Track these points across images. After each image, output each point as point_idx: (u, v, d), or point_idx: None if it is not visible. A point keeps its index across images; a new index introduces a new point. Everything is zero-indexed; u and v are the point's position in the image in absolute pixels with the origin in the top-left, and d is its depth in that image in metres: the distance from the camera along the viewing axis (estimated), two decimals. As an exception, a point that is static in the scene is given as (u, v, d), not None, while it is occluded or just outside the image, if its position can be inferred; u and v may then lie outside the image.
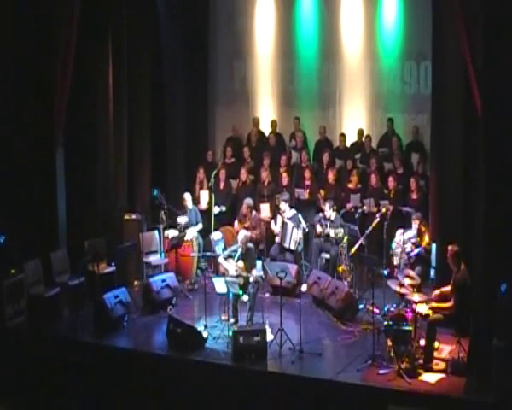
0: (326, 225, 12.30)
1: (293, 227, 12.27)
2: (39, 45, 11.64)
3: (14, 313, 10.75)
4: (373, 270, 10.78)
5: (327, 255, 12.37)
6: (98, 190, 12.61)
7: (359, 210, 12.41)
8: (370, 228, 11.67)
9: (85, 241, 11.97)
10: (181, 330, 10.06)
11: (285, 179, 13.44)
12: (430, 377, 9.01)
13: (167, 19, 14.08)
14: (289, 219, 12.39)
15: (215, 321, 10.80)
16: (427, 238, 11.29)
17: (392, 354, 9.20)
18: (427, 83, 13.06)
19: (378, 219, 11.79)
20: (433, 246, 11.11)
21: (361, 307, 11.16)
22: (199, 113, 14.94)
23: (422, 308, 9.41)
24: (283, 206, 12.50)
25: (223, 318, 10.76)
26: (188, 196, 13.00)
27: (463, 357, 9.21)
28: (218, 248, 12.33)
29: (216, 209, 13.30)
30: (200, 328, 10.37)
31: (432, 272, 11.20)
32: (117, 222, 12.76)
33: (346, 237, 12.00)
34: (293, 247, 12.33)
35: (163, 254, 12.71)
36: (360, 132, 13.98)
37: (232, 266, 10.65)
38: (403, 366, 9.05)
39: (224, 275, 10.85)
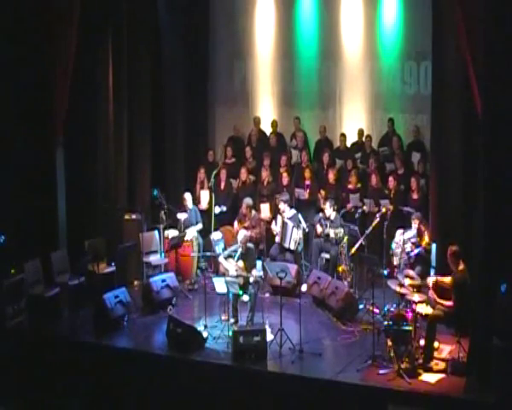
0: (326, 225, 12.30)
1: (293, 227, 12.27)
2: (39, 45, 11.64)
3: (14, 313, 10.74)
4: (373, 270, 10.77)
5: (327, 255, 12.37)
6: (98, 190, 12.61)
7: (359, 210, 12.41)
8: (370, 228, 11.67)
9: (85, 241, 11.97)
10: (181, 330, 10.06)
11: (285, 179, 13.44)
12: (430, 377, 9.01)
13: (167, 19, 14.08)
14: (289, 219, 12.39)
15: (215, 321, 10.80)
16: (426, 238, 11.29)
17: (392, 354, 9.20)
18: (427, 83, 13.05)
19: (378, 219, 11.78)
20: (433, 246, 11.10)
21: (361, 307, 11.16)
22: (199, 113, 14.94)
23: (422, 308, 9.42)
24: (282, 206, 12.50)
25: (223, 318, 10.76)
26: (188, 196, 13.00)
27: (463, 357, 9.21)
28: (218, 248, 12.33)
29: (216, 209, 13.30)
30: (200, 328, 10.37)
31: (432, 272, 11.19)
32: (117, 222, 12.75)
33: (346, 237, 12.00)
34: (293, 247, 12.33)
35: (163, 254, 12.71)
36: (360, 132, 13.98)
37: (232, 266, 10.65)
38: (403, 366, 9.05)
39: (224, 275, 10.84)
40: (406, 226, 11.71)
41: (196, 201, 13.50)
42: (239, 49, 15.05)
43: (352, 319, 10.88)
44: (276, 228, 12.63)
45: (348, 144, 14.10)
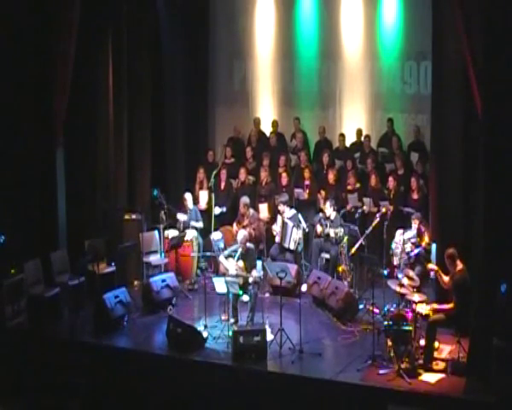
0: (326, 225, 12.29)
1: (292, 227, 12.27)
2: (39, 45, 11.64)
3: (14, 313, 10.74)
4: (373, 270, 10.77)
5: (327, 255, 12.36)
6: (98, 190, 12.61)
7: (359, 210, 12.41)
8: (370, 228, 11.67)
9: (85, 241, 11.98)
10: (181, 330, 10.06)
11: (284, 179, 13.44)
12: (430, 377, 9.02)
13: (167, 19, 14.08)
14: (289, 219, 12.39)
15: (215, 321, 10.80)
16: (426, 238, 11.29)
17: (392, 354, 9.20)
18: (427, 83, 13.05)
19: (378, 219, 11.78)
20: (433, 246, 11.10)
21: (361, 307, 11.16)
22: (199, 113, 14.94)
23: (422, 308, 9.42)
24: (282, 207, 12.50)
25: (223, 318, 10.76)
26: (188, 196, 12.99)
27: (463, 357, 9.22)
28: (218, 249, 12.33)
29: (216, 210, 13.29)
30: (200, 328, 10.37)
31: (432, 272, 11.18)
32: (117, 222, 12.75)
33: (346, 237, 12.00)
34: (292, 247, 12.33)
35: (163, 254, 12.71)
36: (359, 132, 13.98)
37: (232, 266, 10.65)
38: (403, 366, 9.06)
39: (224, 275, 10.84)
40: (406, 226, 11.71)
41: (195, 201, 13.49)
42: (239, 49, 15.05)
43: (351, 319, 10.88)
44: (276, 228, 12.63)
45: (347, 144, 14.10)
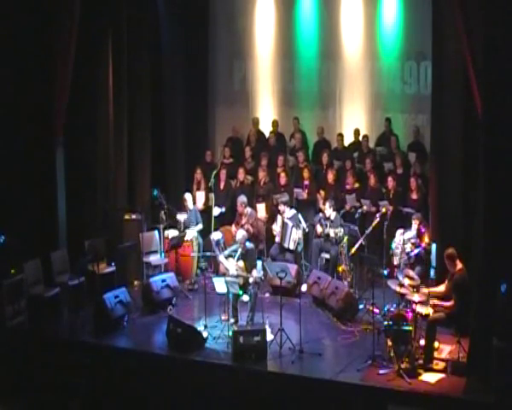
0: (326, 225, 12.30)
1: (292, 227, 12.27)
2: (39, 45, 11.64)
3: (14, 313, 10.74)
4: (373, 270, 10.77)
5: (327, 255, 12.37)
6: (98, 190, 12.61)
7: (359, 210, 12.41)
8: (370, 228, 11.67)
9: (85, 241, 11.98)
10: (181, 330, 10.06)
11: (283, 179, 13.43)
12: (430, 377, 9.02)
13: (167, 19, 14.08)
14: (289, 219, 12.39)
15: (215, 321, 10.80)
16: (426, 238, 11.29)
17: (392, 354, 9.20)
18: (427, 83, 13.06)
19: (378, 219, 11.78)
20: (433, 246, 11.10)
21: (361, 307, 11.16)
22: (199, 113, 14.94)
23: (422, 308, 9.41)
24: (282, 207, 12.50)
25: (223, 318, 10.76)
26: (188, 197, 12.99)
27: (463, 357, 9.22)
28: (217, 250, 12.31)
29: (216, 211, 13.28)
30: (200, 328, 10.37)
31: (432, 272, 11.19)
32: (117, 222, 12.75)
33: (346, 237, 11.99)
34: (292, 247, 12.32)
35: (163, 254, 12.72)
36: (356, 132, 13.98)
37: (232, 265, 10.65)
38: (403, 366, 9.06)
39: (224, 275, 10.84)
40: (406, 226, 11.71)
41: (195, 201, 13.49)
42: (239, 49, 15.05)
43: (352, 319, 10.88)
44: (276, 228, 12.63)
45: (346, 144, 14.09)
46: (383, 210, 12.03)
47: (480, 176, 9.35)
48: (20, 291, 10.87)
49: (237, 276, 10.50)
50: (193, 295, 12.13)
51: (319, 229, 12.43)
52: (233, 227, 12.90)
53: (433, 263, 11.12)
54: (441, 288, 9.65)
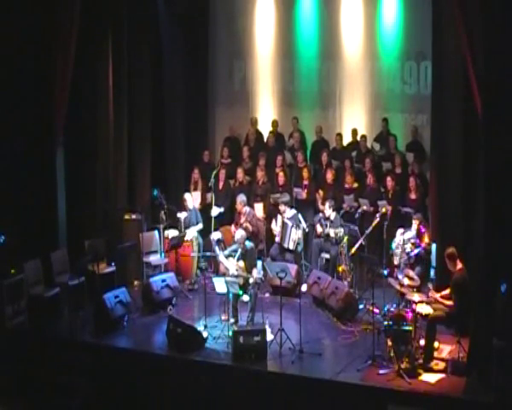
0: (326, 225, 12.30)
1: (291, 227, 12.27)
2: (39, 45, 11.64)
3: (14, 313, 10.75)
4: (373, 270, 10.77)
5: (327, 255, 12.37)
6: (98, 190, 12.61)
7: (359, 210, 12.42)
8: (370, 228, 11.67)
9: (85, 241, 11.98)
10: (181, 330, 10.06)
11: (281, 179, 13.43)
12: (430, 377, 9.02)
13: (167, 19, 14.08)
14: (289, 219, 12.39)
15: (215, 321, 10.80)
16: (426, 238, 11.29)
17: (392, 354, 9.20)
18: (427, 83, 13.06)
19: (378, 219, 11.78)
20: (433, 246, 11.10)
21: (361, 307, 11.16)
22: (199, 113, 14.94)
23: (422, 308, 9.41)
24: (283, 207, 12.49)
25: (223, 318, 10.76)
26: (188, 197, 12.98)
27: (463, 357, 9.22)
28: (218, 248, 12.32)
29: (215, 211, 13.27)
30: (200, 328, 10.37)
31: (432, 272, 11.20)
32: (117, 222, 12.75)
33: (346, 237, 11.99)
34: (292, 247, 12.32)
35: (163, 254, 12.71)
36: (354, 132, 13.98)
37: (232, 265, 10.65)
38: (403, 366, 9.06)
39: (224, 275, 10.84)
40: (406, 226, 11.71)
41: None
42: (239, 49, 15.05)
43: (351, 319, 10.88)
44: (276, 228, 12.63)
45: (344, 144, 14.08)
46: (383, 210, 12.02)
47: (480, 176, 9.36)
48: (20, 291, 10.88)
49: (237, 276, 10.51)
50: (193, 295, 12.13)
51: (319, 229, 12.43)
52: (232, 227, 12.90)
53: (433, 263, 11.12)
54: (448, 291, 9.62)
